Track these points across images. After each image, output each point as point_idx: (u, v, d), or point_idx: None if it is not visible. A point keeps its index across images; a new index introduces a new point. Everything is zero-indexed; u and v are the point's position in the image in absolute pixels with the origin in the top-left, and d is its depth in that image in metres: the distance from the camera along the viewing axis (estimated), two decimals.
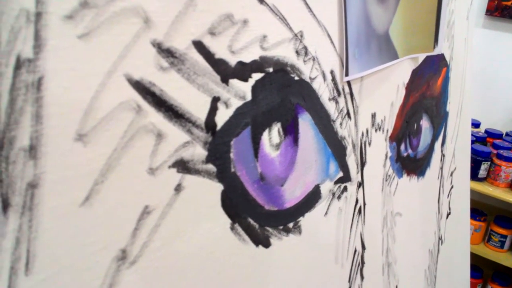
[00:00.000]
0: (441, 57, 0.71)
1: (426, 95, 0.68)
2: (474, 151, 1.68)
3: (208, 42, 0.29)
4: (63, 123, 0.22)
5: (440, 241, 0.80)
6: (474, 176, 1.71)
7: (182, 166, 0.29)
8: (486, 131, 1.91)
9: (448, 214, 0.85)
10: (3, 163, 0.20)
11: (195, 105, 0.29)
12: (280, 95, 0.36)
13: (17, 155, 0.21)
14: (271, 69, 0.35)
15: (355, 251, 0.51)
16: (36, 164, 0.21)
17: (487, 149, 1.74)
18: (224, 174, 0.32)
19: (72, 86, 0.22)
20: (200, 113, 0.29)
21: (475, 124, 1.95)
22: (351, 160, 0.48)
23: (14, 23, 0.20)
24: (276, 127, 0.36)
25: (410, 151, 0.65)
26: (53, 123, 0.22)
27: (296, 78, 0.38)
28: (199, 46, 0.29)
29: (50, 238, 0.22)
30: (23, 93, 0.20)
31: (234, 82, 0.32)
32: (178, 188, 0.29)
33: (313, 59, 0.39)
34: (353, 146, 0.48)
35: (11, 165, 0.20)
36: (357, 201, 0.50)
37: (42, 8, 0.21)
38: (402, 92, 0.60)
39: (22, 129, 0.21)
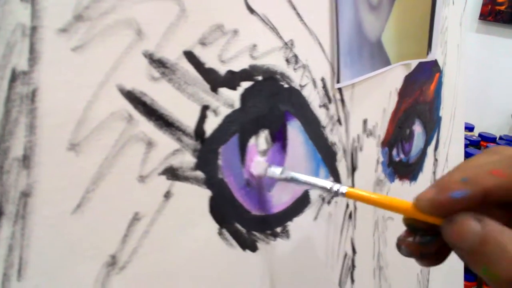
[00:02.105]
0: (434, 63, 0.72)
1: (419, 100, 0.69)
2: (468, 155, 1.69)
3: (199, 52, 0.30)
4: (57, 133, 0.23)
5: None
6: None
7: (172, 173, 0.29)
8: (480, 135, 1.92)
9: None
10: None
11: (185, 113, 0.30)
12: (269, 103, 0.37)
13: (11, 165, 0.21)
14: (260, 77, 0.35)
15: (346, 255, 0.52)
16: (29, 174, 0.22)
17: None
18: (212, 181, 0.32)
19: (66, 97, 0.23)
20: (189, 122, 0.30)
21: (469, 128, 1.97)
22: (342, 166, 0.49)
23: (10, 37, 0.21)
24: (264, 134, 0.37)
25: (402, 156, 0.66)
26: (46, 133, 0.22)
27: (286, 85, 0.38)
28: (190, 56, 0.29)
29: (42, 245, 0.23)
30: (17, 105, 0.21)
31: (223, 90, 0.32)
32: (167, 195, 0.29)
33: (304, 67, 0.40)
34: (344, 151, 0.49)
35: (5, 174, 0.21)
36: (347, 205, 0.51)
37: (38, 22, 0.21)
38: (395, 98, 0.60)
39: (16, 140, 0.21)
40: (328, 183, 0.34)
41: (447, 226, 0.25)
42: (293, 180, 0.36)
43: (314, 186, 0.35)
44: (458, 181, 0.25)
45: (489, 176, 0.25)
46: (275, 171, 0.36)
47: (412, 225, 0.28)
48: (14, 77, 0.21)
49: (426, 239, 0.28)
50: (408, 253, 0.28)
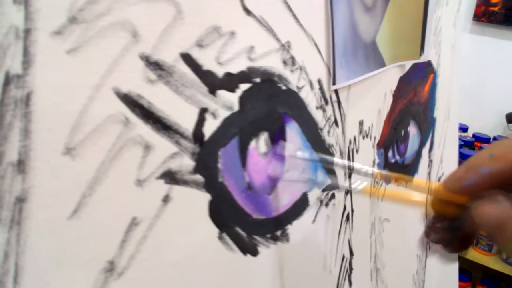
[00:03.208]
0: (428, 64, 0.72)
1: (414, 101, 0.69)
2: (462, 156, 1.69)
3: (196, 54, 0.30)
4: (52, 137, 0.22)
5: (428, 246, 0.81)
6: None
7: (170, 177, 0.29)
8: (474, 136, 1.92)
9: None
10: None
11: (183, 116, 0.29)
12: (268, 105, 0.36)
13: (5, 170, 0.21)
14: (258, 79, 0.35)
15: (343, 257, 0.52)
16: (24, 179, 0.21)
17: (475, 153, 1.75)
18: (212, 184, 0.32)
19: (61, 101, 0.22)
20: (188, 124, 0.30)
21: (463, 129, 1.97)
22: (339, 168, 0.49)
23: (3, 40, 0.20)
24: (263, 137, 0.37)
25: (397, 157, 0.66)
26: (41, 137, 0.22)
27: (284, 87, 0.38)
28: (187, 58, 0.29)
29: (38, 251, 0.22)
30: (12, 109, 0.21)
31: (221, 93, 0.32)
32: (166, 199, 0.29)
33: (300, 69, 0.40)
34: (341, 153, 0.49)
35: None
36: (345, 208, 0.51)
37: (31, 24, 0.21)
38: (390, 99, 0.60)
39: (11, 144, 0.21)
40: (357, 165, 0.34)
41: (474, 204, 0.25)
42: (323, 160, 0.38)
43: (341, 166, 0.36)
44: (485, 157, 0.25)
45: None
46: (305, 153, 0.39)
47: (441, 210, 0.28)
48: (8, 80, 0.21)
49: (454, 224, 0.28)
50: (437, 239, 0.28)
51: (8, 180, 0.21)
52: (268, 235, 0.38)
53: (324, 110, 0.44)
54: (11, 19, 0.20)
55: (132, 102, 0.26)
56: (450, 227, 0.28)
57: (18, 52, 0.21)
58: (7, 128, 0.21)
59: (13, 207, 0.21)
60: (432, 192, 0.28)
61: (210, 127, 0.31)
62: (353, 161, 0.51)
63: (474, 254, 1.76)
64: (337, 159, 0.37)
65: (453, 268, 0.97)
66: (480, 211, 0.25)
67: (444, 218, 0.28)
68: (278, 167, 0.38)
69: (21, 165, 0.21)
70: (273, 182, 0.38)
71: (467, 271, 1.86)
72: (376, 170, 0.33)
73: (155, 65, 0.27)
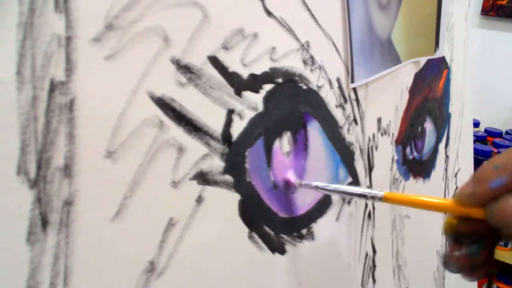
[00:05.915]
0: (442, 59, 0.72)
1: (429, 97, 0.69)
2: (475, 151, 1.68)
3: (222, 56, 0.30)
4: (94, 142, 0.23)
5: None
6: None
7: (202, 178, 0.30)
8: (486, 130, 1.91)
9: None
10: (41, 182, 0.21)
11: (212, 118, 0.30)
12: (290, 105, 0.37)
13: (53, 174, 0.21)
14: (280, 80, 0.36)
15: (366, 254, 0.52)
16: (71, 182, 0.22)
17: (488, 148, 1.74)
18: (241, 184, 0.33)
19: (101, 106, 0.23)
20: (216, 126, 0.30)
21: (475, 124, 1.96)
22: (359, 165, 0.49)
23: (47, 48, 0.21)
24: (286, 136, 0.37)
25: (415, 153, 0.66)
26: (85, 142, 0.22)
27: (304, 87, 0.38)
28: (214, 61, 0.30)
29: (85, 253, 0.23)
30: (57, 115, 0.21)
31: (246, 94, 0.32)
32: (199, 200, 0.29)
33: (320, 68, 0.40)
34: (361, 151, 0.49)
35: (48, 184, 0.21)
36: (366, 205, 0.51)
37: (72, 32, 0.22)
38: (406, 96, 0.61)
39: (57, 149, 0.21)
40: (365, 190, 0.34)
41: (492, 210, 0.25)
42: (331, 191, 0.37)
43: (351, 194, 0.36)
44: (491, 169, 0.26)
45: None
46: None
47: (456, 232, 0.28)
48: (52, 87, 0.21)
49: (473, 248, 0.28)
50: (457, 268, 0.29)
51: (56, 184, 0.22)
52: (295, 234, 0.39)
53: (343, 109, 0.45)
54: (53, 28, 0.21)
55: (165, 105, 0.27)
56: (469, 253, 0.28)
57: (61, 60, 0.21)
58: (54, 133, 0.21)
59: (61, 210, 0.22)
60: (446, 209, 0.29)
61: (237, 128, 0.32)
62: (373, 158, 0.52)
63: None
64: (348, 188, 0.36)
65: None
66: (496, 215, 0.25)
67: (460, 244, 0.28)
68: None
69: (67, 169, 0.22)
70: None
71: None
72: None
73: (185, 69, 0.28)
